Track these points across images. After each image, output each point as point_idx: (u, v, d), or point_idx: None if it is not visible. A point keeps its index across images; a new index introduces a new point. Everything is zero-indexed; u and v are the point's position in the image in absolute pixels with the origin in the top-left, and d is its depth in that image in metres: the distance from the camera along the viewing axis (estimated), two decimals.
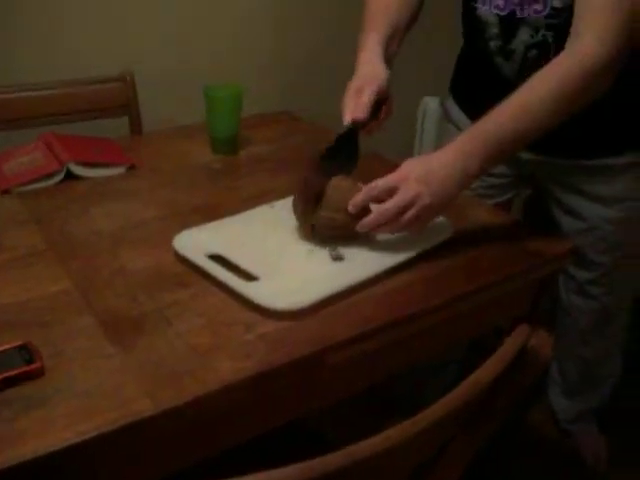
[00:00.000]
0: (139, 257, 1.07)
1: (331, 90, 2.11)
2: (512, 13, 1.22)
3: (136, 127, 1.65)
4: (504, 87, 1.10)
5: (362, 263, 1.04)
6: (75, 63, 1.76)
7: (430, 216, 1.04)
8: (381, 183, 1.02)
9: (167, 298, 0.96)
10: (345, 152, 1.15)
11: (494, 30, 1.27)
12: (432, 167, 1.03)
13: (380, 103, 1.19)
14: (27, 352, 0.83)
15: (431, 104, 2.52)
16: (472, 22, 1.32)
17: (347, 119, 1.15)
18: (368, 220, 1.02)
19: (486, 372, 0.72)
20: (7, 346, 0.84)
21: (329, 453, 0.61)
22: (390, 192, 1.02)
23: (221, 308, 0.95)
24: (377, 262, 1.04)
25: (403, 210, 1.01)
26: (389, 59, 1.24)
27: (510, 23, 1.23)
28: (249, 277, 0.99)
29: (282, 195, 1.22)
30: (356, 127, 1.15)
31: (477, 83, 1.43)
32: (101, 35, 1.82)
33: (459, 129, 1.46)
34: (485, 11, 1.26)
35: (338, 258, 1.02)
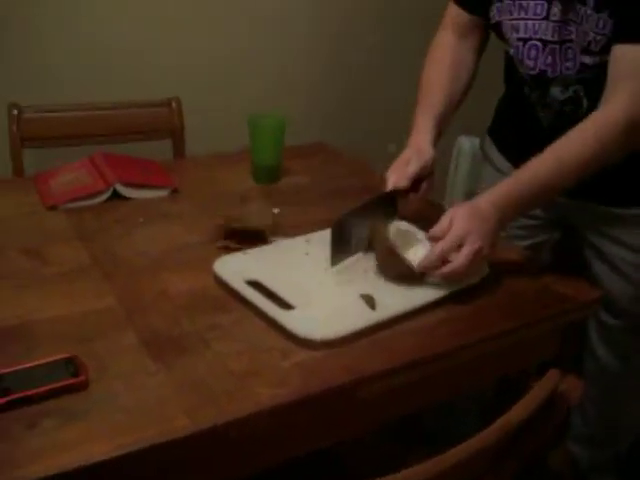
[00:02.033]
0: (181, 280, 1.10)
1: (369, 126, 2.17)
2: (543, 72, 1.26)
3: (179, 151, 1.70)
4: (543, 136, 1.15)
5: (396, 299, 1.06)
6: (126, 87, 1.83)
7: (478, 257, 1.07)
8: (452, 238, 1.07)
9: (207, 321, 1.00)
10: (383, 211, 1.22)
11: (530, 85, 1.31)
12: (476, 212, 1.09)
13: (422, 179, 1.28)
14: (73, 365, 0.86)
15: (466, 143, 2.56)
16: (512, 74, 1.37)
17: (389, 185, 1.24)
18: (427, 259, 1.06)
19: (516, 414, 0.74)
20: (54, 358, 0.87)
21: None
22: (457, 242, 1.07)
23: (259, 334, 0.98)
24: (410, 299, 1.06)
25: (457, 247, 1.06)
26: (440, 133, 1.35)
27: (542, 81, 1.28)
28: (285, 305, 1.02)
29: (319, 226, 1.26)
30: (396, 193, 1.24)
31: (517, 130, 1.46)
32: (152, 61, 1.89)
33: (498, 171, 1.49)
34: (521, 69, 1.31)
35: (370, 304, 1.04)
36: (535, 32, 1.23)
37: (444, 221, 1.09)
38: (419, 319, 1.05)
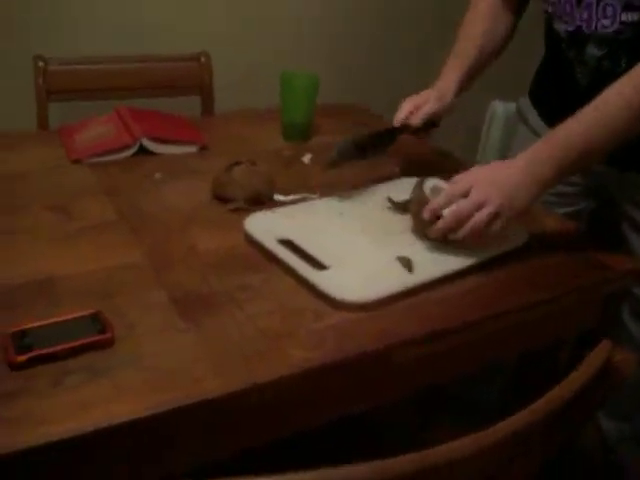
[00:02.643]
0: (210, 237, 1.06)
1: (396, 83, 2.10)
2: (579, 28, 1.20)
3: (208, 108, 1.65)
4: (582, 96, 1.09)
5: (433, 262, 1.01)
6: (154, 39, 1.77)
7: (501, 221, 1.02)
8: (458, 187, 1.01)
9: (237, 280, 0.95)
10: (382, 143, 1.27)
11: (567, 43, 1.25)
12: (503, 173, 1.03)
13: (433, 124, 1.30)
14: (98, 321, 0.83)
15: (499, 108, 2.48)
16: (551, 34, 1.32)
17: (402, 113, 1.26)
18: (441, 223, 1.00)
19: (569, 386, 0.69)
20: (79, 314, 0.83)
21: (390, 453, 0.59)
22: (462, 196, 1.00)
23: (290, 294, 0.94)
24: (448, 263, 1.02)
25: (475, 211, 0.99)
26: (464, 86, 1.34)
27: (578, 38, 1.22)
28: (318, 265, 0.98)
29: (351, 185, 1.22)
30: (402, 129, 1.27)
31: (556, 91, 1.39)
32: (180, 13, 1.83)
33: (535, 134, 1.43)
34: (558, 26, 1.26)
35: (407, 266, 0.99)
36: None
37: (464, 181, 1.02)
38: (457, 284, 1.00)
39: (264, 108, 1.65)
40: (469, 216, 0.99)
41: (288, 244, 1.02)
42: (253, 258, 1.02)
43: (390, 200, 1.16)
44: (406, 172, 1.34)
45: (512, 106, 2.43)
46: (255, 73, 1.97)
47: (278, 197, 1.19)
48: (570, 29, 1.22)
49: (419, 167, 1.38)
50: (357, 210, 1.14)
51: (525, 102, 1.51)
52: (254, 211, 1.13)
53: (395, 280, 0.96)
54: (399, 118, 1.26)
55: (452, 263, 1.02)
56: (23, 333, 0.79)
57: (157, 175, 1.26)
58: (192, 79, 1.63)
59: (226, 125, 1.55)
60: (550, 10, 1.25)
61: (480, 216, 0.99)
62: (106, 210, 1.13)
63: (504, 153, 2.56)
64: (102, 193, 1.19)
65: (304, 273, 0.95)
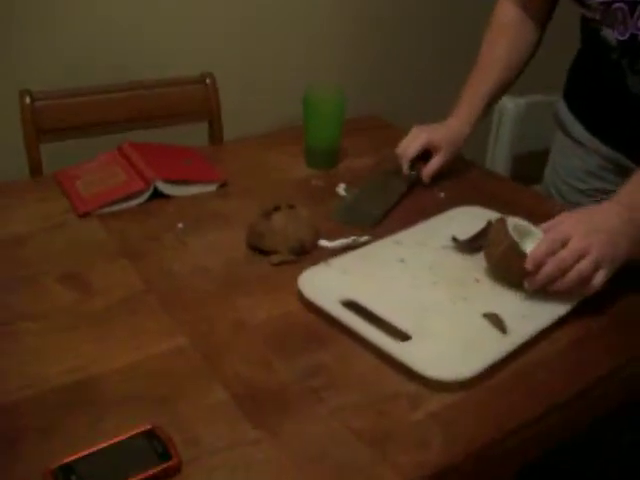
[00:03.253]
0: (257, 304, 0.91)
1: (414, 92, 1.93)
2: (634, 37, 1.08)
3: (217, 135, 1.49)
4: (631, 103, 1.07)
5: (523, 317, 0.87)
6: (154, 62, 1.60)
7: (604, 271, 0.88)
8: (558, 235, 0.87)
9: (306, 362, 0.80)
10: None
11: (618, 51, 1.13)
12: (601, 218, 0.91)
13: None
14: (157, 441, 0.67)
15: (509, 104, 2.34)
16: (595, 41, 1.18)
17: (407, 157, 1.24)
18: (544, 274, 0.86)
19: None
20: (132, 432, 0.68)
21: None
22: (563, 244, 0.87)
23: (374, 375, 0.79)
24: (538, 316, 0.87)
25: (577, 259, 0.86)
26: (484, 114, 1.30)
27: (632, 46, 1.10)
28: (397, 333, 0.83)
29: (401, 224, 1.07)
30: (414, 182, 1.25)
31: (604, 101, 1.25)
32: (180, 34, 1.66)
33: (581, 145, 1.29)
34: (607, 34, 1.13)
35: (500, 327, 0.85)
36: None
37: (563, 228, 0.90)
38: (547, 341, 0.86)
39: (276, 130, 1.50)
40: (572, 266, 0.85)
41: (353, 306, 0.87)
42: (315, 327, 0.87)
43: (455, 240, 1.02)
44: (453, 198, 1.20)
45: (522, 102, 2.31)
46: (262, 91, 1.81)
47: (324, 243, 1.04)
48: (622, 38, 1.10)
49: (465, 191, 1.24)
50: (418, 254, 0.99)
51: (563, 109, 1.36)
52: (300, 263, 0.98)
53: (492, 346, 0.82)
54: (407, 157, 1.24)
55: (543, 316, 0.87)
56: (69, 469, 0.64)
57: (179, 226, 1.10)
58: (197, 104, 1.46)
59: (240, 154, 1.39)
60: (598, 17, 1.12)
61: (585, 266, 0.86)
62: (129, 277, 0.97)
63: (515, 152, 2.42)
64: (121, 254, 1.02)
65: (385, 346, 0.80)
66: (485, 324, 0.85)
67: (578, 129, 1.32)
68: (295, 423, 0.72)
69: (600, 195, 1.29)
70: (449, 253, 1.01)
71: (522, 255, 0.88)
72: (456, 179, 1.29)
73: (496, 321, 0.85)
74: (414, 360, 0.78)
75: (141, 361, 0.80)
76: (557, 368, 0.82)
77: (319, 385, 0.77)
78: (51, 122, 1.34)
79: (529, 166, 2.14)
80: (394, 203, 1.18)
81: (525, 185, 1.34)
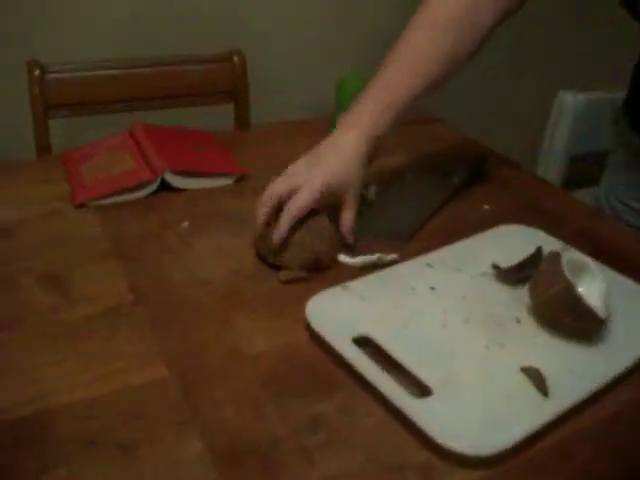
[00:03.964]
0: (259, 330, 0.78)
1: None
2: None
3: (243, 119, 1.35)
4: None
5: (570, 374, 0.72)
6: (179, 40, 1.48)
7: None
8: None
9: (305, 411, 0.67)
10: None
11: None
12: None
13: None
14: None
15: (568, 99, 2.16)
16: None
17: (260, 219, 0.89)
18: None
19: None
20: None
21: None
22: None
23: (381, 435, 0.65)
24: (590, 374, 0.73)
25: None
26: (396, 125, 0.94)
27: None
28: (416, 384, 0.69)
29: (435, 241, 0.94)
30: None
31: None
32: (209, 12, 1.53)
33: (637, 156, 1.13)
34: None
35: (541, 387, 0.70)
36: None
37: None
38: (595, 406, 0.71)
39: (307, 118, 1.36)
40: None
41: (368, 345, 0.74)
42: (322, 365, 0.73)
43: (496, 268, 0.87)
44: (499, 213, 1.05)
45: (582, 98, 2.14)
46: (295, 74, 1.67)
47: (344, 259, 0.90)
48: None
49: (514, 205, 1.09)
50: (452, 283, 0.85)
51: (623, 119, 1.19)
52: (314, 281, 0.85)
53: (527, 414, 0.67)
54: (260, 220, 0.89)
55: (596, 372, 0.73)
56: None
57: (184, 225, 0.97)
58: (223, 84, 1.33)
59: (264, 142, 1.26)
60: None
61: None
62: (118, 283, 0.85)
63: (574, 152, 2.25)
64: (112, 254, 0.91)
65: (397, 401, 0.67)
66: (523, 381, 0.71)
67: (631, 140, 1.15)
68: None
69: None
70: (488, 283, 0.86)
71: (577, 299, 0.73)
72: (504, 188, 1.14)
73: (536, 378, 0.71)
74: (430, 423, 0.64)
75: (108, 395, 0.68)
76: (606, 443, 0.67)
77: (315, 444, 0.63)
78: (62, 97, 1.22)
79: (585, 167, 1.98)
80: (430, 214, 1.03)
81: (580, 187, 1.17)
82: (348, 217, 0.90)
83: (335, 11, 1.72)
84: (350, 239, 0.91)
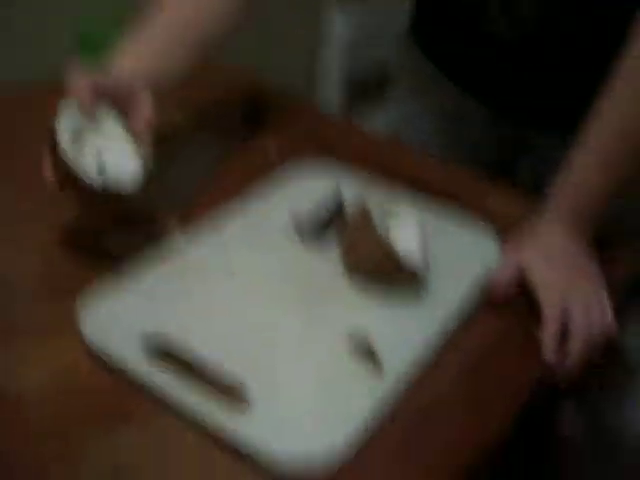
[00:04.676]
0: (34, 355, 0.61)
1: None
2: None
3: None
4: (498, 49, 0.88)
5: (395, 334, 0.65)
6: None
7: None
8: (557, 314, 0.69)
9: (98, 460, 0.53)
10: None
11: None
12: (563, 264, 0.74)
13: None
14: None
15: (338, 24, 2.05)
16: None
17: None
18: (576, 357, 0.68)
19: None
20: None
21: None
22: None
23: (199, 466, 0.53)
24: (409, 329, 0.66)
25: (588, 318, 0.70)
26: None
27: None
28: (229, 391, 0.57)
29: (222, 200, 0.80)
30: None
31: (456, 37, 1.00)
32: None
33: (420, 80, 1.06)
34: None
35: (371, 358, 0.62)
36: None
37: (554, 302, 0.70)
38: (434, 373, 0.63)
39: None
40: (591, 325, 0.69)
41: (163, 352, 0.60)
42: (108, 386, 0.59)
43: (298, 226, 0.76)
44: (285, 152, 0.92)
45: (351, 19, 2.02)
46: None
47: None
48: None
49: (298, 143, 0.96)
50: (251, 258, 0.72)
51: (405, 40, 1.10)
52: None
53: (363, 393, 0.58)
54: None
55: (417, 327, 0.65)
56: None
57: None
58: None
59: None
60: None
61: (599, 317, 0.70)
62: None
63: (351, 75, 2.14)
64: None
65: (212, 420, 0.54)
66: (353, 361, 0.61)
67: (417, 61, 1.07)
68: None
69: None
70: (291, 247, 0.75)
71: (396, 259, 0.65)
72: (284, 126, 1.00)
73: (365, 349, 0.61)
74: (255, 442, 0.53)
75: None
76: (448, 422, 0.59)
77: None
78: None
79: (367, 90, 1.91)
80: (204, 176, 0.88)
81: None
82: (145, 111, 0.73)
83: None
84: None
